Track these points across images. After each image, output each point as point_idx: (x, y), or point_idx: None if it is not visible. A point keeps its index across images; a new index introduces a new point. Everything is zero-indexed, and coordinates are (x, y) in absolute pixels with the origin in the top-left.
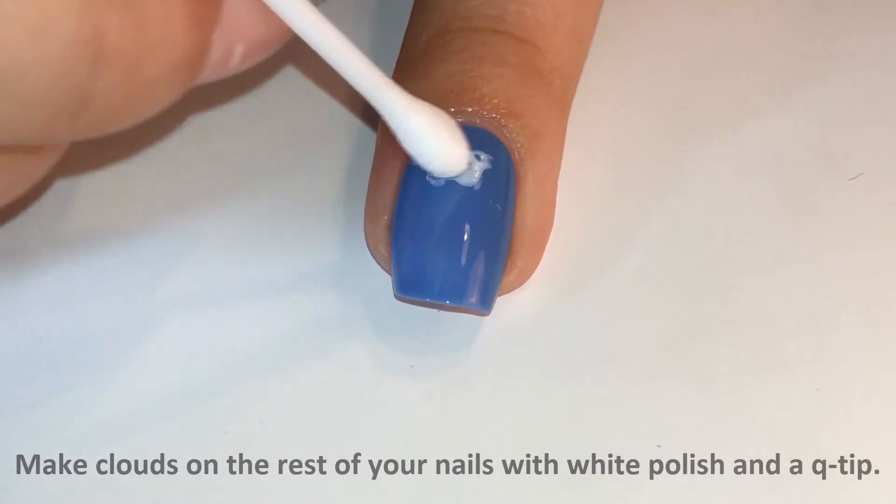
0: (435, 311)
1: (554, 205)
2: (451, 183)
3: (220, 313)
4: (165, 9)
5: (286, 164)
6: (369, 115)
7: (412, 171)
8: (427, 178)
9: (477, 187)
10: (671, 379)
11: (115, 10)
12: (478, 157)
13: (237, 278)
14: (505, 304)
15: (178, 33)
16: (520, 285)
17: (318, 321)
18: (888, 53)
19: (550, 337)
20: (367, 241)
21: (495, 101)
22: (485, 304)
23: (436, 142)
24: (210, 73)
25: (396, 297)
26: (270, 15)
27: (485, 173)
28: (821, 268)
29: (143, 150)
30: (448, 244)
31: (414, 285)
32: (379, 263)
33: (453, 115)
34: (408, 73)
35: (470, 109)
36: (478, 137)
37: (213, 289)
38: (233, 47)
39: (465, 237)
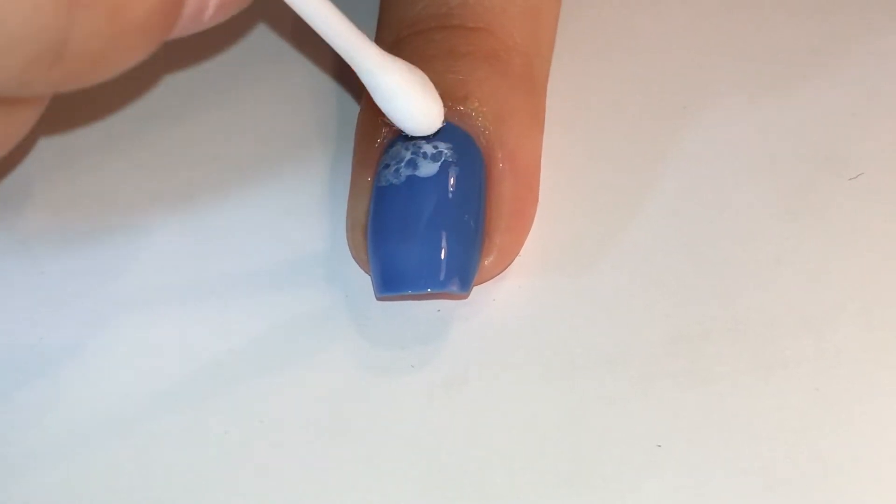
0: (434, 310)
1: (534, 184)
2: (411, 178)
3: (220, 313)
4: None
5: (286, 164)
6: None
7: (379, 176)
8: (390, 179)
9: (438, 177)
10: (671, 379)
11: None
12: (436, 148)
13: (237, 278)
14: (505, 304)
15: None
16: (504, 266)
17: (318, 321)
18: (888, 53)
19: (550, 337)
20: (350, 252)
21: (452, 92)
22: (464, 287)
23: (409, 99)
24: (184, 25)
25: (378, 298)
26: None
27: (444, 162)
28: (821, 268)
29: (139, 151)
30: (415, 235)
31: (391, 282)
32: (364, 271)
33: None
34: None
35: None
36: (438, 130)
37: (213, 289)
38: (204, 2)
39: (431, 226)
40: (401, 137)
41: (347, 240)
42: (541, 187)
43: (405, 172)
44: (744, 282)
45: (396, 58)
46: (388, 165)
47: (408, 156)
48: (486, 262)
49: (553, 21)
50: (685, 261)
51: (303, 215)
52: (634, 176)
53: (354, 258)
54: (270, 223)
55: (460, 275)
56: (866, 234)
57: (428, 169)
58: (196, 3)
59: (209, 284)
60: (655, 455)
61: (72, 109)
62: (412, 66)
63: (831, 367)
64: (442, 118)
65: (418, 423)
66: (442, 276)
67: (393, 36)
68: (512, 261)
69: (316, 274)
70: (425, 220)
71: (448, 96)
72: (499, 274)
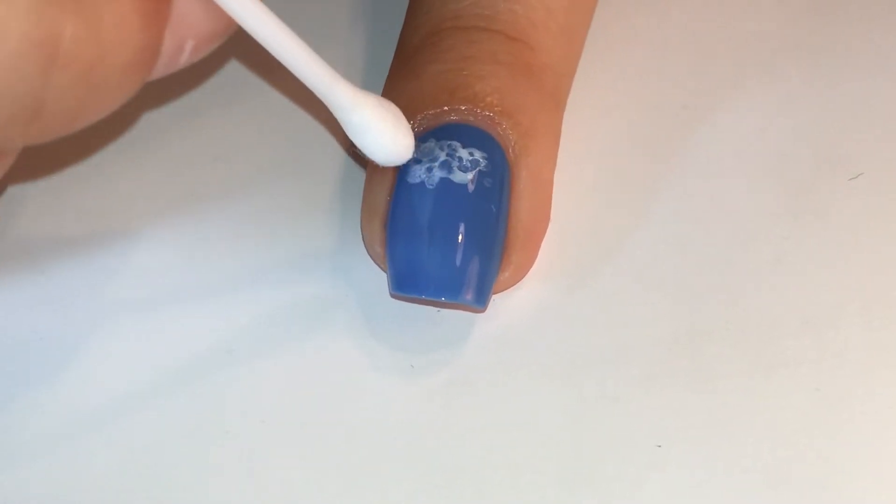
0: (434, 310)
1: (549, 201)
2: (444, 181)
3: (220, 314)
4: (120, 9)
5: (285, 164)
6: None
7: (406, 170)
8: (421, 177)
9: (472, 186)
10: (671, 379)
11: (69, 13)
12: (472, 155)
13: (236, 278)
14: (505, 304)
15: (133, 34)
16: (516, 282)
17: (318, 321)
18: (889, 54)
19: (550, 337)
20: (363, 241)
21: (488, 99)
22: (480, 301)
23: (380, 135)
24: (161, 69)
25: (392, 295)
26: (217, 9)
27: (479, 172)
28: (821, 268)
29: (137, 149)
30: (442, 242)
31: (409, 282)
32: (376, 262)
33: (446, 113)
34: (400, 74)
35: (463, 108)
36: (472, 136)
37: (213, 289)
38: (183, 43)
39: (459, 235)
40: (434, 133)
41: (362, 229)
42: None
43: (438, 174)
44: (744, 282)
45: (368, 93)
46: (419, 161)
47: (442, 156)
48: (502, 277)
49: (583, 41)
50: (685, 261)
51: (303, 216)
52: (634, 176)
53: (367, 249)
54: (270, 223)
55: (479, 288)
56: (866, 234)
57: (462, 175)
58: (173, 48)
59: (209, 284)
60: (655, 455)
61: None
62: (384, 100)
63: (831, 367)
64: (412, 150)
65: (418, 423)
66: (465, 291)
67: (432, 25)
68: (523, 276)
69: (316, 275)
70: (454, 228)
71: (487, 103)
72: (508, 289)
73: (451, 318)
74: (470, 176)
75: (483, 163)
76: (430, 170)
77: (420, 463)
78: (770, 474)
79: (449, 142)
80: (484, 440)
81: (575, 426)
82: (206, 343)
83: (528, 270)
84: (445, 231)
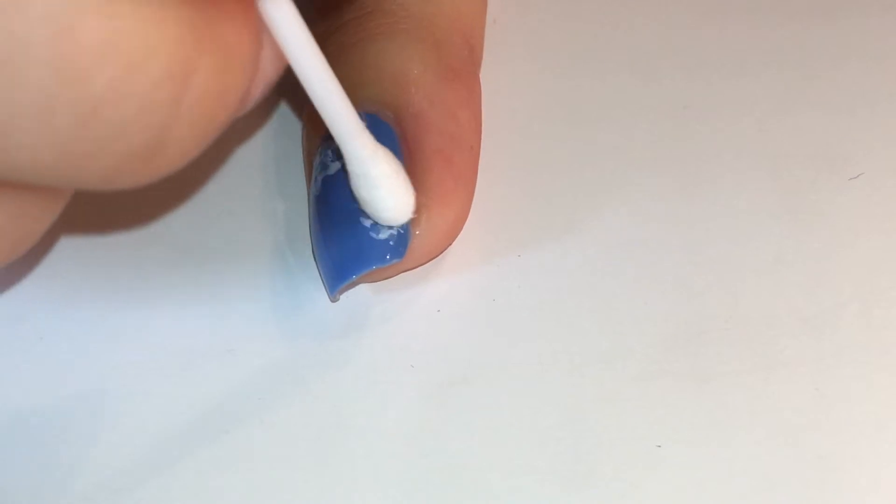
0: (435, 310)
1: (458, 132)
2: (325, 179)
3: (220, 314)
4: (242, 54)
5: (284, 165)
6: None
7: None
8: (314, 192)
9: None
10: (671, 379)
11: (207, 49)
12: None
13: (237, 278)
14: (505, 304)
15: (247, 76)
16: (448, 224)
17: (319, 321)
18: (888, 54)
19: (550, 337)
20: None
21: (348, 86)
22: (397, 254)
23: (391, 193)
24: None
25: (332, 298)
26: (281, 58)
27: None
28: (821, 268)
29: None
30: (341, 225)
31: (336, 276)
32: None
33: (319, 131)
34: None
35: None
36: None
37: (213, 288)
38: (257, 89)
39: (352, 212)
40: (318, 152)
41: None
42: (540, 188)
43: (320, 178)
44: (743, 282)
45: (384, 148)
46: (315, 179)
47: (318, 160)
48: (419, 226)
49: None
50: (685, 260)
51: (304, 216)
52: (635, 176)
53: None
54: (271, 223)
55: (398, 244)
56: (866, 234)
57: (336, 164)
58: (250, 94)
59: (209, 284)
60: (655, 455)
61: None
62: (392, 156)
63: (831, 367)
64: (412, 212)
65: (418, 423)
66: (376, 251)
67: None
68: (455, 216)
69: (316, 274)
70: (345, 211)
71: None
72: (450, 232)
73: (451, 318)
74: (340, 162)
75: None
76: (316, 179)
77: (420, 463)
78: (770, 474)
79: (323, 147)
80: (484, 440)
81: (574, 426)
82: (206, 343)
83: (453, 210)
84: (339, 218)
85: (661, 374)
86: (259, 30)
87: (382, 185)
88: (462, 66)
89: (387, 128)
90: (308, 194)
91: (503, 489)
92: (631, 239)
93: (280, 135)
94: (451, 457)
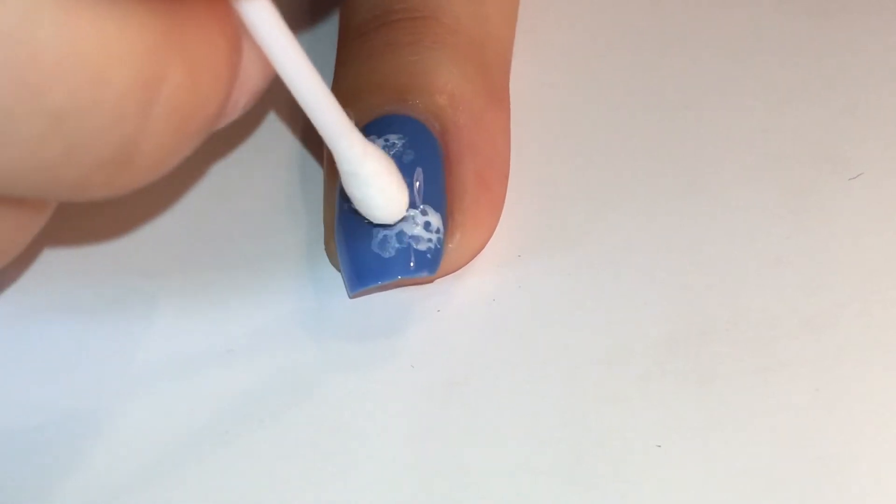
0: (435, 310)
1: (495, 159)
2: None
3: (220, 314)
4: (217, 61)
5: (285, 165)
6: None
7: (341, 181)
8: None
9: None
10: (671, 379)
11: (176, 60)
12: (386, 141)
13: (237, 278)
14: (505, 304)
15: (223, 85)
16: (474, 246)
17: (319, 321)
18: (889, 54)
19: (550, 337)
20: (331, 262)
21: (398, 83)
22: (431, 268)
23: (382, 191)
24: (217, 124)
25: (351, 295)
26: (268, 65)
27: (397, 153)
28: (821, 268)
29: None
30: (378, 227)
31: (360, 277)
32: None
33: (359, 119)
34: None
35: (373, 101)
36: (386, 124)
37: (213, 288)
38: (238, 100)
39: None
40: None
41: (326, 251)
42: (539, 188)
43: None
44: (744, 282)
45: (373, 144)
46: None
47: None
48: (451, 243)
49: (504, 3)
50: (685, 260)
51: (304, 217)
52: (636, 176)
53: (335, 267)
54: (271, 223)
55: (431, 259)
56: (866, 234)
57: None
58: (232, 104)
59: (209, 284)
60: (655, 455)
61: None
62: (384, 153)
63: (831, 367)
64: (406, 209)
65: (418, 422)
66: (411, 264)
67: (340, 43)
68: (483, 239)
69: (317, 274)
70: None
71: (395, 89)
72: (473, 254)
73: (451, 317)
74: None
75: (399, 144)
76: None
77: (420, 463)
78: (770, 474)
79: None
80: (484, 440)
81: (574, 426)
82: (206, 343)
83: (482, 233)
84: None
85: (661, 374)
86: (235, 37)
87: (373, 184)
88: (503, 93)
89: (431, 138)
90: (324, 191)
91: (503, 489)
92: (631, 239)
93: (281, 133)
94: (452, 457)
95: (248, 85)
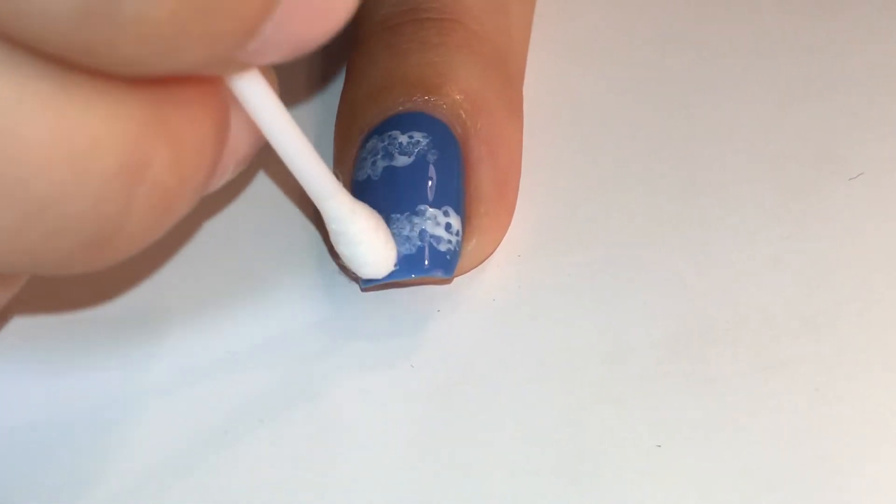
0: (435, 310)
1: (511, 168)
2: (388, 169)
3: (220, 314)
4: (201, 137)
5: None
6: None
7: (356, 171)
8: (367, 172)
9: (415, 166)
10: (671, 379)
11: (162, 140)
12: (411, 138)
13: (237, 279)
14: (505, 304)
15: (207, 160)
16: (487, 251)
17: (318, 321)
18: (888, 54)
19: (550, 337)
20: (329, 252)
21: (426, 82)
22: (447, 271)
23: (371, 248)
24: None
25: (363, 289)
26: (258, 132)
27: (420, 151)
28: (820, 268)
29: None
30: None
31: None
32: (345, 273)
33: (384, 111)
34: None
35: (399, 98)
36: (410, 121)
37: (213, 288)
38: (227, 167)
39: (411, 213)
40: (375, 131)
41: (332, 242)
42: (540, 189)
43: (381, 164)
44: (744, 282)
45: (361, 203)
46: (364, 159)
47: (382, 147)
48: (468, 247)
49: (523, 19)
50: (685, 261)
51: (305, 217)
52: (635, 176)
53: (333, 258)
54: (271, 223)
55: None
56: (866, 234)
57: (405, 158)
58: (220, 173)
59: (210, 285)
60: (655, 455)
61: None
62: (372, 211)
63: (831, 367)
64: (394, 264)
65: (418, 422)
66: (426, 262)
67: (363, 33)
68: (495, 246)
69: (316, 274)
70: (404, 209)
71: (422, 86)
72: (483, 259)
73: (451, 318)
74: (411, 158)
75: (424, 142)
76: (374, 164)
77: (420, 463)
78: (770, 474)
79: (389, 132)
80: (484, 440)
81: (574, 426)
82: (205, 343)
83: (496, 239)
84: (396, 214)
85: (661, 374)
86: (223, 111)
87: (363, 241)
88: (519, 104)
89: (454, 141)
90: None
91: (503, 489)
92: (631, 239)
93: None
94: (452, 457)
95: (238, 153)
